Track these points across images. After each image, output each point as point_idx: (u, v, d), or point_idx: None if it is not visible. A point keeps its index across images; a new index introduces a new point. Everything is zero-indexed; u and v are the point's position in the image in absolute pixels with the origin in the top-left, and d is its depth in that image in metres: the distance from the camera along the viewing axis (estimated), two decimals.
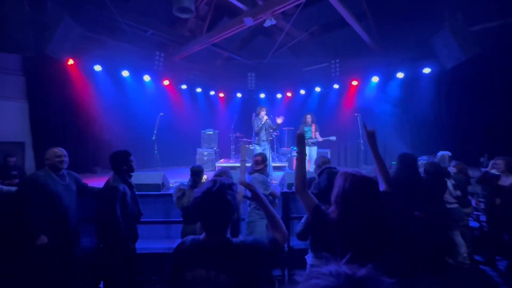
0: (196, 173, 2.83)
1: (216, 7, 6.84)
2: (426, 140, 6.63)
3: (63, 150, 2.59)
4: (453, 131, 6.22)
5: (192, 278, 1.11)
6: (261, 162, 3.06)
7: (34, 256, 2.35)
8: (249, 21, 5.29)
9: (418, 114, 6.95)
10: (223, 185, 1.17)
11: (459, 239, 3.48)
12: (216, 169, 7.60)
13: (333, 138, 5.89)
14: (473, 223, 3.98)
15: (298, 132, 1.77)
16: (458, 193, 3.51)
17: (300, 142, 1.65)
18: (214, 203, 1.13)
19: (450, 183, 3.53)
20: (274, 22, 5.20)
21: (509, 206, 3.26)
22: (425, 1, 5.92)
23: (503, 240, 3.46)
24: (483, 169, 4.99)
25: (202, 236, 1.19)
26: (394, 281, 0.54)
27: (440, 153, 4.92)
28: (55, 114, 6.15)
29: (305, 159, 1.64)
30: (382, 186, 1.63)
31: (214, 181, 1.19)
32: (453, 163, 4.24)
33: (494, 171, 3.61)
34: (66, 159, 2.59)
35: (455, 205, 3.46)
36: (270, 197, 2.95)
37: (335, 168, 2.16)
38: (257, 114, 5.58)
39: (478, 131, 5.80)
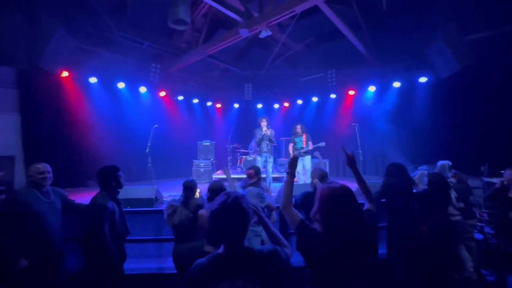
0: (189, 188, 2.66)
1: (212, 19, 6.89)
2: (424, 149, 6.57)
3: (47, 165, 2.45)
4: (450, 140, 6.17)
5: None
6: (254, 175, 2.94)
7: (14, 280, 2.18)
8: (244, 33, 5.30)
9: (415, 123, 6.92)
10: (237, 196, 1.19)
11: (464, 253, 3.33)
12: (213, 180, 7.45)
13: (323, 144, 5.85)
14: (478, 235, 3.85)
15: (291, 156, 1.96)
16: (461, 205, 3.40)
17: (293, 164, 1.72)
18: (231, 214, 1.15)
19: (452, 194, 3.43)
20: (269, 33, 5.21)
21: None
22: (418, 12, 6.00)
23: None
24: (485, 179, 4.91)
25: (220, 250, 1.19)
26: None
27: (440, 162, 4.84)
28: (48, 127, 6.02)
29: (293, 180, 1.70)
30: (366, 205, 1.73)
31: (226, 194, 1.21)
32: (451, 173, 4.15)
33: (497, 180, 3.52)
34: (50, 175, 2.45)
35: (459, 217, 3.34)
36: (266, 210, 2.81)
37: (331, 182, 2.13)
38: (259, 125, 5.55)
39: (475, 139, 5.76)
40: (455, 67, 5.18)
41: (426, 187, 3.06)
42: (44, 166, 2.42)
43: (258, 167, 3.16)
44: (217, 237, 1.19)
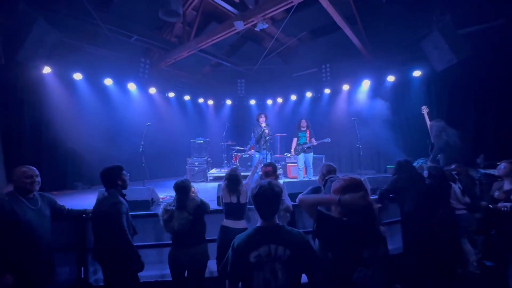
0: (181, 189, 2.42)
1: (204, 12, 6.62)
2: (419, 143, 6.61)
3: (34, 169, 2.21)
4: None
5: (257, 256, 1.41)
6: (272, 173, 2.76)
7: None
8: (239, 25, 5.10)
9: (410, 116, 6.95)
10: (270, 182, 1.55)
11: (468, 247, 3.33)
12: (208, 180, 7.25)
13: (328, 139, 5.82)
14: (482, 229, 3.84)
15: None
16: (467, 199, 3.37)
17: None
18: (268, 195, 1.50)
19: (457, 188, 3.40)
20: (266, 25, 5.03)
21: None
22: (413, 5, 5.98)
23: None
24: (482, 171, 4.96)
25: (259, 223, 1.53)
26: None
27: (439, 156, 4.86)
28: (30, 126, 5.62)
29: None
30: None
31: (262, 182, 1.55)
32: (452, 166, 4.14)
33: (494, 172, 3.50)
34: (38, 179, 2.22)
35: (463, 211, 3.32)
36: (282, 212, 2.66)
37: (338, 176, 2.15)
38: (257, 121, 5.39)
39: (470, 132, 5.83)
40: (451, 60, 5.18)
41: (427, 180, 3.03)
42: (31, 169, 2.18)
43: (275, 164, 3.00)
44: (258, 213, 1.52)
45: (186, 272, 2.42)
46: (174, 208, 2.38)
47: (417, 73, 6.62)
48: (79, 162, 6.14)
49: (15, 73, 5.24)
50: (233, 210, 2.63)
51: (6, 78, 5.26)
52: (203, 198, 2.56)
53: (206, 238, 2.47)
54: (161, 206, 2.46)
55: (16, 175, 2.13)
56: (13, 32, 4.35)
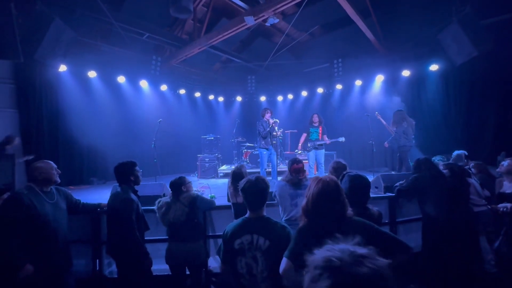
0: (176, 185, 2.55)
1: (214, 8, 6.61)
2: (436, 140, 6.39)
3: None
4: (464, 129, 5.98)
5: (240, 243, 1.60)
6: (303, 170, 2.66)
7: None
8: (250, 20, 5.05)
9: (426, 112, 6.71)
10: (258, 177, 1.70)
11: (485, 245, 3.20)
12: (218, 176, 7.29)
13: (342, 139, 5.65)
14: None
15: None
16: (487, 192, 3.25)
17: None
18: (256, 188, 1.64)
19: (476, 182, 3.27)
20: (276, 20, 4.96)
21: None
22: None
23: None
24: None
25: (247, 214, 1.70)
26: (389, 262, 0.66)
27: (456, 152, 4.67)
28: (47, 123, 5.81)
29: None
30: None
31: (250, 177, 1.72)
32: (472, 163, 3.99)
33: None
34: (59, 172, 2.35)
35: (484, 208, 3.19)
36: None
37: (351, 171, 2.17)
38: (262, 116, 5.32)
39: (491, 128, 5.56)
40: (471, 52, 4.93)
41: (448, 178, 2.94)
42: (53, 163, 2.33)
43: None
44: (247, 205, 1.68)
45: (186, 269, 2.50)
46: (169, 200, 2.50)
47: (434, 67, 6.36)
48: (94, 157, 6.31)
49: (33, 71, 5.43)
50: (238, 211, 2.63)
51: (25, 76, 5.46)
52: (214, 194, 2.57)
53: (216, 234, 2.49)
54: (156, 201, 2.55)
55: (43, 168, 2.22)
56: (31, 32, 4.48)
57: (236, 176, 2.69)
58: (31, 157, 4.41)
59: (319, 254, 0.69)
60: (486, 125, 5.52)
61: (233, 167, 7.65)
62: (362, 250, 0.67)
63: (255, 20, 5.12)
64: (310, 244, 1.15)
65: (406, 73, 6.87)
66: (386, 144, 5.90)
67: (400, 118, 5.49)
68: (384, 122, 6.04)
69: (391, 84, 7.26)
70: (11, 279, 1.88)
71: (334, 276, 0.61)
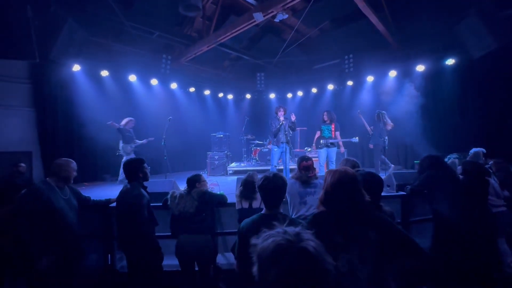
0: (191, 181, 2.66)
1: (222, 6, 6.59)
2: (452, 137, 6.16)
3: None
4: (482, 126, 5.73)
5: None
6: (312, 167, 2.63)
7: (35, 280, 2.09)
8: (259, 17, 5.00)
9: (441, 109, 6.48)
10: (276, 174, 1.72)
11: (504, 247, 3.06)
12: (228, 173, 7.32)
13: (355, 139, 5.50)
14: None
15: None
16: (506, 193, 3.10)
17: None
18: (273, 185, 1.65)
19: (495, 182, 3.12)
20: (285, 16, 4.89)
21: None
22: None
23: None
24: None
25: (263, 211, 1.70)
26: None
27: (473, 150, 4.48)
28: (63, 121, 6.01)
29: None
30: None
31: (267, 174, 1.73)
32: (491, 161, 3.81)
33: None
34: None
35: (503, 208, 3.04)
36: None
37: (362, 169, 2.16)
38: (276, 114, 5.28)
39: (510, 125, 5.30)
40: (490, 45, 4.71)
41: (461, 176, 2.82)
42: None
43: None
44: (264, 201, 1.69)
45: (195, 265, 2.53)
46: (183, 193, 2.58)
47: (450, 62, 6.12)
48: (107, 155, 6.46)
49: (48, 71, 5.60)
50: (243, 216, 2.62)
51: (41, 76, 5.64)
52: (223, 191, 2.58)
53: (225, 231, 2.49)
54: (169, 193, 2.64)
55: (66, 166, 2.34)
56: (46, 33, 4.63)
57: (247, 185, 2.67)
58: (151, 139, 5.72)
59: (266, 243, 0.73)
60: (506, 122, 5.26)
61: (242, 164, 7.71)
62: (296, 229, 0.75)
63: (264, 16, 5.06)
64: (327, 231, 1.21)
65: (420, 68, 6.64)
66: (370, 145, 6.33)
67: (378, 119, 6.06)
68: (364, 121, 6.40)
69: (405, 79, 7.04)
70: (29, 269, 1.95)
71: (284, 258, 0.66)
